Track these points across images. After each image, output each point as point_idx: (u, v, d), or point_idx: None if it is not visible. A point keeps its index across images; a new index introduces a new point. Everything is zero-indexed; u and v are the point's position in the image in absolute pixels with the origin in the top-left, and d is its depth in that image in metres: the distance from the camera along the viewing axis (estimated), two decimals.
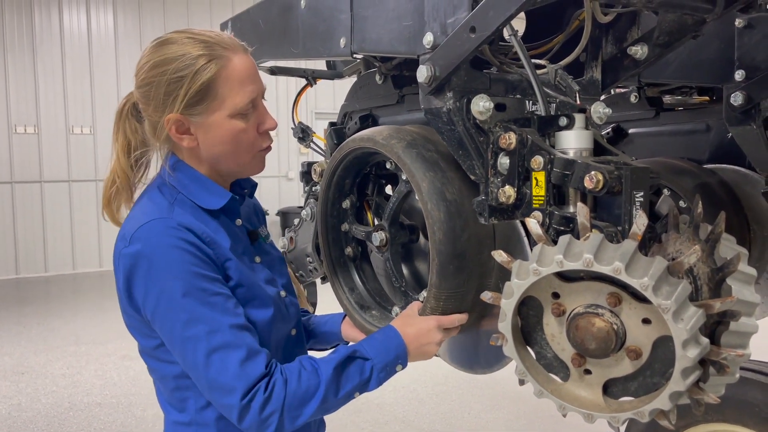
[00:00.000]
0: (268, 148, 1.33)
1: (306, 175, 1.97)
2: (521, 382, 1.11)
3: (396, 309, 1.46)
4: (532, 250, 1.20)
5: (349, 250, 1.58)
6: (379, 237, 1.43)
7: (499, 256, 1.07)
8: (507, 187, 1.12)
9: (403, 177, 1.35)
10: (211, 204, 1.28)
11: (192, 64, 1.20)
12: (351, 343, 1.34)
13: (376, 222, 1.54)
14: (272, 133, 1.36)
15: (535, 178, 1.10)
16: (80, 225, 9.37)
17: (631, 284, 0.91)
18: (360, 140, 1.40)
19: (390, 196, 1.48)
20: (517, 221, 1.25)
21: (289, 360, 1.26)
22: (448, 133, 1.18)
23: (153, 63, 1.23)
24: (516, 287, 1.02)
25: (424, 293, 1.36)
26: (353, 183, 1.54)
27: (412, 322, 1.30)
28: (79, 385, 4.86)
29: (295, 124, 1.95)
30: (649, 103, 2.05)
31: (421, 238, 1.52)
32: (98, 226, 9.42)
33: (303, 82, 2.08)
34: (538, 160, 1.08)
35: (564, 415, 1.05)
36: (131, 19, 9.51)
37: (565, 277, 1.01)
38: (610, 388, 1.04)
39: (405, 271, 1.52)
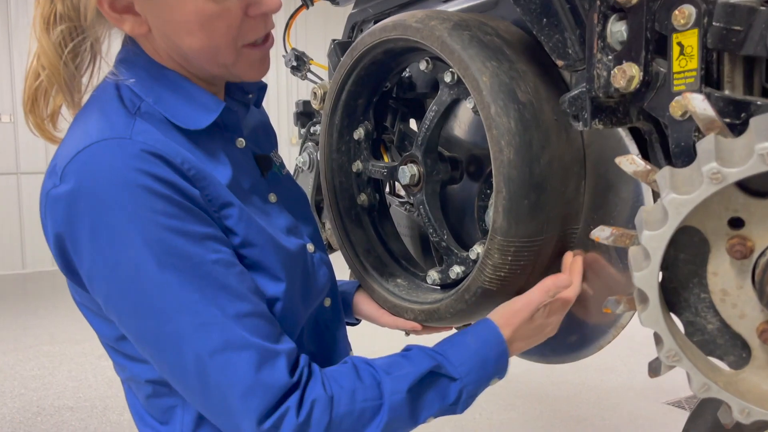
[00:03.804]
0: (265, 43, 0.86)
1: (301, 116, 1.55)
2: (655, 370, 0.69)
3: (433, 274, 1.03)
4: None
5: (363, 197, 1.15)
6: (409, 171, 1.00)
7: (631, 163, 0.65)
8: (626, 64, 0.71)
9: (447, 79, 0.93)
10: (195, 122, 0.82)
11: None
12: (427, 347, 0.88)
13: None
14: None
15: (679, 44, 0.68)
16: None
17: None
18: (382, 30, 0.98)
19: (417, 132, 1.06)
20: (627, 134, 0.84)
21: (320, 345, 0.87)
22: None
23: None
24: (675, 207, 0.58)
25: (477, 248, 0.94)
26: (368, 103, 1.12)
27: (516, 309, 0.88)
28: (50, 387, 4.44)
29: (287, 51, 1.53)
30: None
31: (465, 179, 1.11)
32: None
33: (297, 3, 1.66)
34: (685, 13, 0.67)
35: (746, 423, 0.64)
36: None
37: (753, 191, 0.60)
38: None
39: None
